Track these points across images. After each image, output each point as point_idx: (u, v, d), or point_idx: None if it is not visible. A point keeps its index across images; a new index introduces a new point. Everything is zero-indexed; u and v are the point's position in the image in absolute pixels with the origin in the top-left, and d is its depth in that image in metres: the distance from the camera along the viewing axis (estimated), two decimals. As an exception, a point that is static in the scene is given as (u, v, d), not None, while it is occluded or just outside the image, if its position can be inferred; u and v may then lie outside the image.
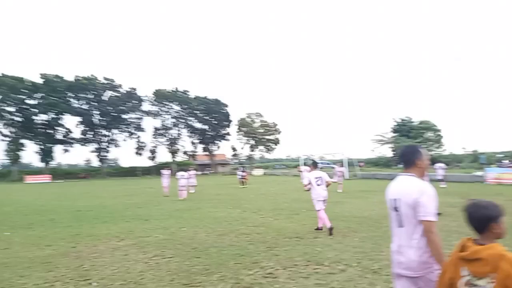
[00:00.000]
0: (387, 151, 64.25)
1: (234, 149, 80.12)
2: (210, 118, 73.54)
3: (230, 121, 76.11)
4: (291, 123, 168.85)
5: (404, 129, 59.70)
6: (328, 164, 67.98)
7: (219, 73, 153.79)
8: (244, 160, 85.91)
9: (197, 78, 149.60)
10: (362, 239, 7.39)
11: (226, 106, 75.48)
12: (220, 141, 77.20)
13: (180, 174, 18.51)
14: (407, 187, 2.55)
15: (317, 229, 8.57)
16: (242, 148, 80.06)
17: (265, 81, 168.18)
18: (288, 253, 6.36)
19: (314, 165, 9.50)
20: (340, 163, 24.97)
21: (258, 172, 61.05)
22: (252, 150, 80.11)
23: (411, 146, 2.83)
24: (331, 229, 7.98)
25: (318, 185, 8.58)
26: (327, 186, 8.71)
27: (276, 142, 78.64)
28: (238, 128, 77.32)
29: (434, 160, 26.43)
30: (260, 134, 77.42)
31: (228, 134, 77.21)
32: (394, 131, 61.22)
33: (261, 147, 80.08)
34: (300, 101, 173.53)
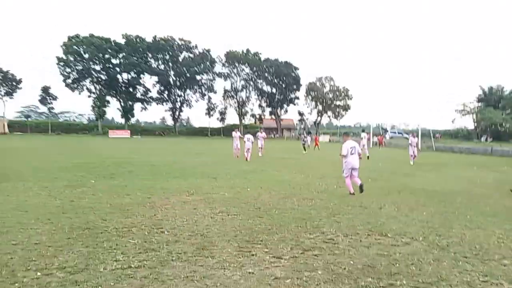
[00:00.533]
0: (468, 123, 58.89)
1: (301, 114, 79.30)
2: (279, 81, 73.09)
3: (300, 84, 74.91)
4: (364, 89, 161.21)
5: (492, 99, 53.83)
6: (400, 134, 64.63)
7: (291, 35, 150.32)
8: (310, 126, 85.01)
9: (269, 40, 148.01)
10: (430, 214, 7.03)
11: (297, 69, 74.15)
12: (288, 105, 76.77)
13: (247, 136, 18.87)
14: None
15: (351, 193, 8.96)
16: (309, 113, 78.95)
17: (338, 44, 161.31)
18: (350, 221, 6.30)
19: (347, 134, 10.07)
20: (414, 133, 23.42)
21: (324, 138, 60.10)
22: (320, 116, 78.64)
23: None
24: (361, 186, 8.83)
25: (352, 154, 9.13)
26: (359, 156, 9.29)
27: (346, 108, 76.12)
28: (307, 92, 75.95)
29: None
30: (330, 99, 75.35)
31: (296, 98, 76.36)
32: (479, 100, 55.58)
33: (330, 113, 78.19)
34: (374, 66, 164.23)
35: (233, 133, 21.17)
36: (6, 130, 56.01)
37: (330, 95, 75.45)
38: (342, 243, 5.02)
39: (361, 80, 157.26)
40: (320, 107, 76.82)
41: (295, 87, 74.74)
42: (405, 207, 7.66)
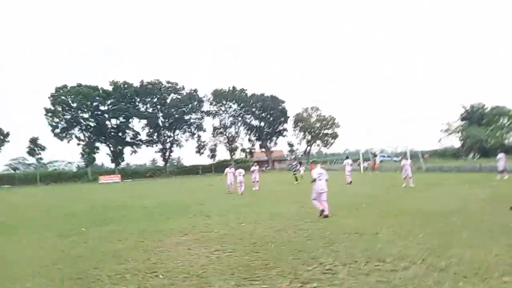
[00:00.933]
0: (454, 141, 59.86)
1: (290, 145, 79.90)
2: (267, 115, 74.11)
3: (287, 116, 76.01)
4: (350, 116, 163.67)
5: (475, 117, 55.18)
6: (389, 157, 65.22)
7: (275, 70, 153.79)
8: (300, 156, 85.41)
9: (255, 75, 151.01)
10: (428, 235, 7.00)
11: (283, 102, 75.50)
12: (277, 137, 77.48)
13: (238, 171, 19.36)
14: None
15: (321, 215, 9.93)
16: (298, 144, 79.61)
17: (322, 75, 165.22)
18: (348, 249, 6.22)
19: (315, 163, 12.09)
20: (403, 155, 23.70)
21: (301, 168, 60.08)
22: (309, 145, 79.32)
23: None
24: (322, 211, 9.94)
25: (320, 179, 10.23)
26: (326, 180, 10.33)
27: (334, 136, 77.04)
28: (295, 123, 76.97)
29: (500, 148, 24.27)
30: (317, 128, 76.38)
31: (285, 130, 77.24)
32: (463, 119, 56.86)
33: (319, 142, 78.98)
34: (359, 92, 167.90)
35: (227, 169, 21.04)
36: (-6, 184, 54.94)
37: (318, 125, 76.52)
38: (341, 273, 4.93)
39: (347, 108, 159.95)
40: (308, 137, 77.65)
41: (282, 119, 75.78)
42: (402, 230, 7.62)
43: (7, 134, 59.62)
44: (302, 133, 77.59)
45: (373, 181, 24.94)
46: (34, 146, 61.13)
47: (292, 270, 5.15)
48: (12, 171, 68.25)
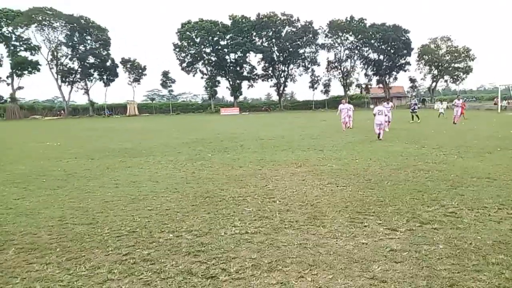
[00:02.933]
0: None
1: (412, 80, 72.74)
2: (387, 47, 67.84)
3: (411, 48, 68.36)
4: (489, 47, 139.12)
5: None
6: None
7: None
8: (423, 93, 77.67)
9: (375, 3, 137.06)
10: None
11: (407, 32, 67.68)
12: (397, 72, 71.05)
13: (377, 109, 15.62)
14: None
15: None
16: (422, 79, 71.99)
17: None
18: (476, 193, 5.68)
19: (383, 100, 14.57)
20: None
21: (439, 106, 54.35)
22: (435, 81, 71.08)
23: None
24: (379, 135, 14.20)
25: (379, 114, 14.40)
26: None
27: (467, 70, 67.35)
28: (419, 56, 69.08)
29: None
30: (447, 61, 67.35)
31: (407, 63, 70.06)
32: None
33: (447, 77, 70.11)
34: (502, 20, 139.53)
35: (340, 105, 19.84)
36: (136, 112, 64.25)
37: (447, 57, 67.37)
38: (467, 217, 4.57)
39: (486, 37, 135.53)
40: (435, 72, 69.33)
41: (405, 51, 68.44)
42: (547, 180, 6.56)
43: (145, 68, 67.65)
44: (427, 67, 69.61)
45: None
46: (166, 79, 68.52)
47: (410, 209, 4.97)
48: (150, 101, 78.40)
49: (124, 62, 66.06)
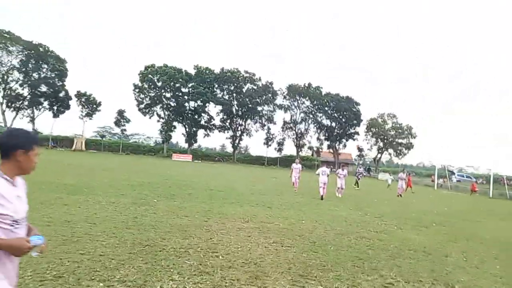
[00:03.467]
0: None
1: (360, 149, 77.21)
2: (339, 115, 72.31)
3: (361, 120, 73.42)
4: (429, 127, 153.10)
5: None
6: (469, 178, 59.83)
7: (353, 71, 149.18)
8: (368, 162, 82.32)
9: (331, 75, 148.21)
10: (505, 268, 6.35)
11: (358, 104, 73.01)
12: (347, 140, 75.28)
13: (322, 170, 16.87)
14: None
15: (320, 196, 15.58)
16: (369, 149, 76.62)
17: (402, 79, 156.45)
18: (412, 266, 5.90)
19: (323, 163, 17.04)
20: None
21: (383, 176, 57.60)
22: (380, 153, 75.93)
23: (12, 129, 2.11)
24: (322, 196, 15.57)
25: (323, 174, 16.00)
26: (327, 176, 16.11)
27: (409, 146, 72.86)
28: (367, 128, 74.10)
29: None
30: (391, 136, 72.73)
31: (356, 133, 74.71)
32: None
33: (391, 151, 75.24)
34: (441, 102, 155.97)
35: (294, 165, 19.54)
36: (83, 147, 61.29)
37: (392, 132, 72.88)
38: (403, 289, 4.69)
39: (426, 118, 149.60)
40: (381, 144, 74.34)
41: (355, 122, 73.28)
42: (475, 257, 7.02)
43: (100, 104, 65.82)
44: (374, 139, 74.52)
45: (448, 200, 23.14)
46: (121, 118, 66.83)
47: (351, 277, 5.03)
48: (100, 138, 75.46)
49: (79, 95, 63.99)
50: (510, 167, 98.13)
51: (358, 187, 26.08)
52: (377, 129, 73.06)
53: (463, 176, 60.69)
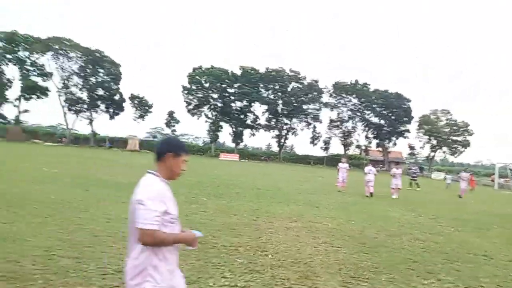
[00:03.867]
0: None
1: (411, 148, 73.86)
2: (388, 113, 69.63)
3: (412, 117, 70.18)
4: (488, 124, 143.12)
5: None
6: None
7: (403, 66, 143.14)
8: (421, 161, 78.53)
9: (379, 70, 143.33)
10: None
11: (409, 101, 69.86)
12: (397, 138, 72.30)
13: (368, 168, 17.14)
14: (138, 187, 2.23)
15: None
16: (421, 148, 73.08)
17: (456, 74, 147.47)
18: (472, 270, 5.57)
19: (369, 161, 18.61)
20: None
21: (437, 175, 54.72)
22: (434, 151, 72.12)
23: (166, 137, 2.44)
24: (371, 193, 15.95)
25: (369, 173, 16.37)
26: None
27: (465, 144, 68.51)
28: (419, 125, 70.68)
29: None
30: (445, 133, 68.80)
31: (407, 131, 71.49)
32: None
33: (445, 149, 71.23)
34: (501, 99, 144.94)
35: (340, 164, 18.60)
36: (137, 147, 64.48)
37: (446, 130, 68.91)
38: (463, 295, 4.45)
39: (484, 114, 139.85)
40: (434, 142, 70.58)
41: (405, 119, 70.13)
42: (545, 264, 6.46)
43: (151, 106, 68.88)
44: (426, 137, 70.91)
45: (511, 201, 21.52)
46: (171, 119, 69.52)
47: (405, 280, 4.85)
48: (152, 138, 79.01)
49: (133, 98, 67.46)
50: None
51: (418, 187, 24.60)
52: (429, 126, 69.44)
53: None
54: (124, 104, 67.87)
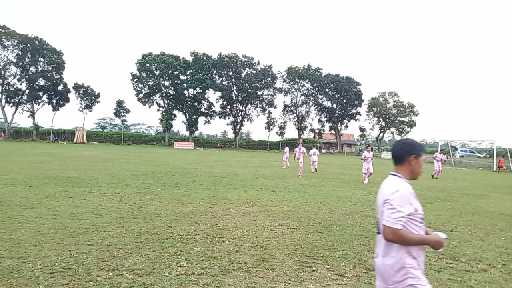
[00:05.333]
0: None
1: (362, 129, 77.06)
2: (340, 96, 71.92)
3: (362, 100, 73.06)
4: (431, 104, 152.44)
5: None
6: (472, 152, 59.77)
7: (353, 50, 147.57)
8: (371, 142, 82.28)
9: (331, 55, 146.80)
10: (510, 240, 6.39)
11: (359, 84, 72.53)
12: (348, 120, 75.11)
13: (312, 151, 20.84)
14: (383, 188, 2.37)
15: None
16: (371, 129, 76.49)
17: (403, 58, 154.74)
18: (417, 242, 5.93)
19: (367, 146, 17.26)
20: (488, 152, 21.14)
21: (386, 155, 57.63)
22: (383, 132, 75.78)
23: (403, 140, 2.49)
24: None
25: (314, 155, 18.57)
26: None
27: (411, 124, 72.58)
28: (369, 108, 73.76)
29: None
30: (393, 115, 72.42)
31: (358, 113, 74.49)
32: None
33: (393, 129, 75.07)
34: (444, 79, 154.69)
35: (297, 149, 21.05)
36: (85, 139, 61.43)
37: (394, 111, 72.54)
38: (409, 265, 4.73)
39: (429, 95, 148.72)
40: (383, 123, 74.12)
41: (356, 102, 72.93)
42: (480, 230, 7.05)
43: (98, 95, 65.63)
44: (376, 119, 74.26)
45: (452, 175, 23.18)
46: (120, 108, 66.72)
47: (357, 255, 5.06)
48: (101, 129, 75.58)
49: (77, 87, 63.79)
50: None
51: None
52: (378, 108, 72.69)
53: (466, 151, 60.67)
54: (69, 95, 64.14)
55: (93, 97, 65.01)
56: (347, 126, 76.28)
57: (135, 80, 65.07)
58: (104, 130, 74.48)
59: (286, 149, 24.94)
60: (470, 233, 6.82)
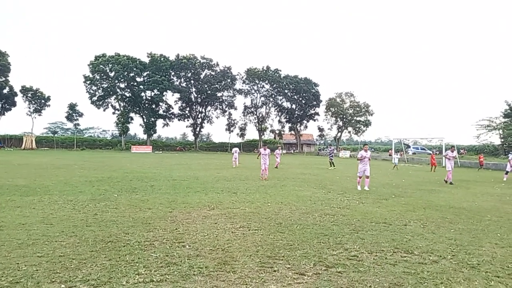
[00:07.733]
0: (494, 139, 56.89)
1: (321, 129, 79.04)
2: (299, 97, 73.32)
3: (320, 100, 74.96)
4: (385, 104, 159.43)
5: (519, 115, 52.18)
6: (423, 149, 63.17)
7: (311, 52, 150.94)
8: (329, 141, 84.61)
9: (289, 57, 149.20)
10: (459, 231, 6.78)
11: (317, 85, 74.32)
12: (307, 121, 76.74)
13: (276, 152, 26.18)
14: None
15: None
16: (329, 129, 78.64)
17: (359, 60, 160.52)
18: (374, 237, 6.14)
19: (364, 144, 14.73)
20: (449, 148, 21.92)
21: (344, 154, 59.51)
22: (340, 131, 78.13)
23: None
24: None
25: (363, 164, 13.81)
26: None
27: (367, 124, 75.47)
28: (327, 108, 75.81)
29: None
30: (350, 115, 74.94)
31: (316, 114, 76.34)
32: (506, 115, 53.82)
33: (350, 129, 77.67)
34: (396, 80, 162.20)
35: (262, 150, 18.54)
36: (34, 145, 57.99)
37: (351, 111, 75.08)
38: (367, 260, 4.88)
39: (383, 95, 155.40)
40: (340, 123, 76.45)
41: (315, 103, 74.76)
42: (431, 224, 7.42)
43: (48, 98, 62.26)
44: (333, 119, 76.46)
45: (405, 172, 24.32)
46: (72, 112, 63.70)
47: (317, 253, 5.14)
48: (51, 134, 71.70)
49: (25, 90, 60.14)
50: (459, 137, 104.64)
51: (333, 166, 26.65)
52: (336, 109, 74.88)
53: (418, 149, 64.02)
54: (16, 99, 60.29)
55: (43, 101, 61.61)
56: (306, 127, 78.01)
57: (88, 82, 62.45)
58: (55, 135, 70.78)
59: (234, 149, 26.93)
60: (423, 226, 7.16)
